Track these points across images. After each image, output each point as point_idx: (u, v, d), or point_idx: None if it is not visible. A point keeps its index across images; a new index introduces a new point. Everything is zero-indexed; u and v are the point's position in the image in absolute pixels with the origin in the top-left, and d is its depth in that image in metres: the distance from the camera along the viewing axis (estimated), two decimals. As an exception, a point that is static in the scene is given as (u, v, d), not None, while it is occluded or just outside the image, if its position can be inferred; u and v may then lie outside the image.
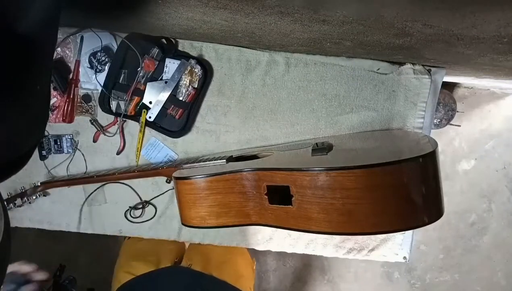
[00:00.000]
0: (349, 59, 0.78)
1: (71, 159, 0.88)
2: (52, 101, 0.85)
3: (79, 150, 0.88)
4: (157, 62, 0.81)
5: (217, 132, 0.85)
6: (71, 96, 0.84)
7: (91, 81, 0.84)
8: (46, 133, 0.87)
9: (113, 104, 0.84)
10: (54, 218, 0.92)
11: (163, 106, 0.81)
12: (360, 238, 0.83)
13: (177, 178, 0.71)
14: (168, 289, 0.78)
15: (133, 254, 0.94)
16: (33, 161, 0.89)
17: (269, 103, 0.82)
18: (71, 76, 0.84)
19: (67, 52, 0.84)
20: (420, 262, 1.70)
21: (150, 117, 0.82)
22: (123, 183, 0.88)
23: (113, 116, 0.85)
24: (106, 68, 0.83)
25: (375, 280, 1.73)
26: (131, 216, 0.90)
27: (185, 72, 0.79)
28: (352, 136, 0.78)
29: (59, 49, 0.83)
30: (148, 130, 0.85)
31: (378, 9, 0.42)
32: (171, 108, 0.82)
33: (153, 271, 0.86)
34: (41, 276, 0.66)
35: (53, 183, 0.88)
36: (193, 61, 0.79)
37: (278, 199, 0.61)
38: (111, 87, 0.83)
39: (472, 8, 0.37)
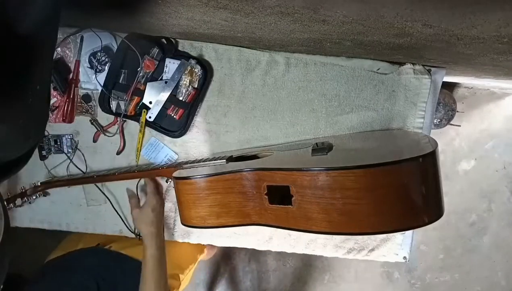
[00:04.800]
0: (349, 59, 0.78)
1: (71, 159, 0.88)
2: (52, 101, 0.85)
3: (79, 150, 0.88)
4: (157, 62, 0.81)
5: (217, 132, 0.85)
6: (71, 96, 0.84)
7: (91, 81, 0.84)
8: (46, 133, 0.87)
9: (113, 104, 0.84)
10: (54, 218, 0.92)
11: (163, 106, 0.81)
12: (360, 238, 0.83)
13: (177, 178, 0.71)
14: (86, 264, 0.87)
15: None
16: (33, 161, 0.89)
17: (269, 103, 0.82)
18: (71, 76, 0.84)
19: (67, 52, 0.84)
20: (420, 262, 1.71)
21: (150, 117, 0.82)
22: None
23: (113, 116, 0.85)
24: (106, 68, 0.83)
25: (375, 280, 1.73)
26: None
27: (185, 72, 0.79)
28: (352, 136, 0.78)
29: (59, 49, 0.83)
30: (148, 130, 0.85)
31: (378, 9, 0.42)
32: (171, 108, 0.82)
33: (74, 251, 0.93)
34: None
35: (53, 183, 0.88)
36: (193, 61, 0.79)
37: (278, 199, 0.61)
38: (111, 87, 0.83)
39: (472, 8, 0.37)
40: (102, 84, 0.83)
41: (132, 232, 0.90)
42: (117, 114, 0.84)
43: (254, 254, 1.76)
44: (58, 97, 0.85)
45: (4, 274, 0.51)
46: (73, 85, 0.84)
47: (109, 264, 0.89)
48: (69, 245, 0.97)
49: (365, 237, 0.83)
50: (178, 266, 0.93)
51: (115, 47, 0.82)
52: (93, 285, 0.81)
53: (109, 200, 0.89)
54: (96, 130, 0.87)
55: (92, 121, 0.86)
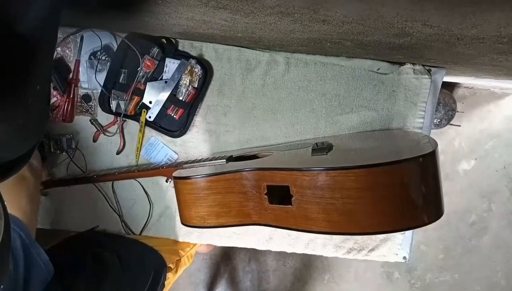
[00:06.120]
0: (349, 59, 0.78)
1: (71, 159, 0.88)
2: (52, 101, 0.85)
3: (79, 149, 0.88)
4: (157, 62, 0.81)
5: (217, 132, 0.85)
6: (71, 96, 0.84)
7: (91, 81, 0.84)
8: (46, 133, 0.87)
9: (113, 104, 0.84)
10: (54, 218, 0.92)
11: (163, 106, 0.81)
12: (360, 238, 0.83)
13: (177, 178, 0.71)
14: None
15: None
16: (33, 161, 0.89)
17: (269, 103, 0.82)
18: (71, 76, 0.84)
19: (67, 52, 0.84)
20: (420, 262, 1.70)
21: (150, 117, 0.82)
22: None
23: (113, 116, 0.85)
24: (106, 68, 0.83)
25: (375, 280, 1.73)
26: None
27: (185, 72, 0.79)
28: (352, 136, 0.78)
29: (59, 49, 0.83)
30: (148, 130, 0.85)
31: (378, 9, 0.42)
32: (171, 108, 0.82)
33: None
34: None
35: (53, 183, 0.88)
36: (193, 61, 0.79)
37: (278, 198, 0.61)
38: (111, 87, 0.83)
39: (472, 8, 0.37)
40: (102, 84, 0.83)
41: (131, 231, 0.90)
42: (117, 114, 0.84)
43: (254, 254, 1.75)
44: (58, 97, 0.85)
45: (5, 274, 0.51)
46: (73, 85, 0.84)
47: (101, 238, 0.89)
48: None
49: (365, 237, 0.83)
50: (178, 243, 0.93)
51: (115, 46, 0.82)
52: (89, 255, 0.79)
53: (106, 199, 0.89)
54: (96, 130, 0.87)
55: (92, 121, 0.86)
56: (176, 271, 0.94)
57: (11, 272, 0.55)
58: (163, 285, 0.86)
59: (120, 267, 0.78)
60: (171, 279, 0.91)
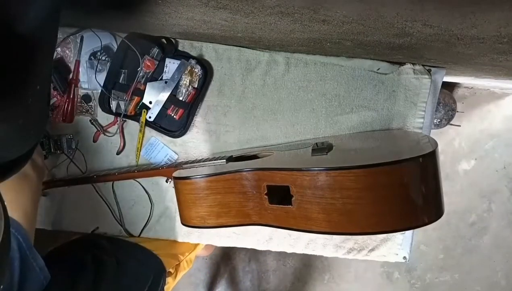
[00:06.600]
0: (349, 59, 0.78)
1: (71, 159, 0.88)
2: (52, 101, 0.85)
3: (79, 149, 0.88)
4: (157, 62, 0.81)
5: (217, 132, 0.85)
6: (71, 96, 0.84)
7: (91, 81, 0.84)
8: (46, 133, 0.87)
9: (113, 104, 0.84)
10: (54, 218, 0.92)
11: (163, 106, 0.81)
12: (360, 238, 0.83)
13: (177, 178, 0.71)
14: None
15: None
16: (33, 161, 0.89)
17: (269, 103, 0.82)
18: (71, 76, 0.84)
19: (67, 52, 0.84)
20: (420, 262, 1.71)
21: (150, 117, 0.82)
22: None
23: (113, 116, 0.85)
24: (106, 68, 0.83)
25: (375, 280, 1.73)
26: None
27: (185, 72, 0.79)
28: (352, 136, 0.78)
29: (59, 49, 0.83)
30: (148, 130, 0.85)
31: (378, 9, 0.42)
32: (171, 108, 0.82)
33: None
34: None
35: (53, 183, 0.88)
36: (193, 61, 0.79)
37: (278, 199, 0.61)
38: (111, 87, 0.83)
39: (472, 8, 0.37)
40: (102, 84, 0.83)
41: (129, 233, 0.90)
42: (117, 114, 0.84)
43: (254, 254, 1.76)
44: (58, 97, 0.85)
45: (5, 275, 0.51)
46: (73, 85, 0.84)
47: (100, 241, 0.87)
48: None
49: (365, 237, 0.83)
50: (178, 248, 0.93)
51: (115, 47, 0.82)
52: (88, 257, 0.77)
53: (104, 200, 0.89)
54: (96, 130, 0.87)
55: (92, 121, 0.86)
56: (175, 276, 0.94)
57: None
58: (162, 290, 0.86)
59: (119, 271, 0.78)
60: (170, 284, 0.91)
